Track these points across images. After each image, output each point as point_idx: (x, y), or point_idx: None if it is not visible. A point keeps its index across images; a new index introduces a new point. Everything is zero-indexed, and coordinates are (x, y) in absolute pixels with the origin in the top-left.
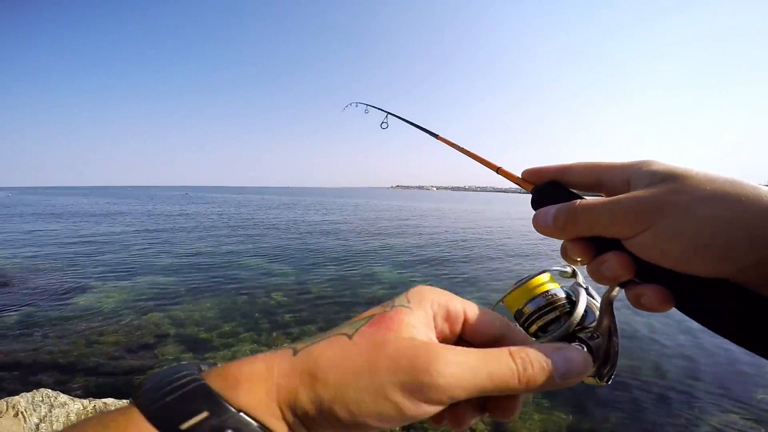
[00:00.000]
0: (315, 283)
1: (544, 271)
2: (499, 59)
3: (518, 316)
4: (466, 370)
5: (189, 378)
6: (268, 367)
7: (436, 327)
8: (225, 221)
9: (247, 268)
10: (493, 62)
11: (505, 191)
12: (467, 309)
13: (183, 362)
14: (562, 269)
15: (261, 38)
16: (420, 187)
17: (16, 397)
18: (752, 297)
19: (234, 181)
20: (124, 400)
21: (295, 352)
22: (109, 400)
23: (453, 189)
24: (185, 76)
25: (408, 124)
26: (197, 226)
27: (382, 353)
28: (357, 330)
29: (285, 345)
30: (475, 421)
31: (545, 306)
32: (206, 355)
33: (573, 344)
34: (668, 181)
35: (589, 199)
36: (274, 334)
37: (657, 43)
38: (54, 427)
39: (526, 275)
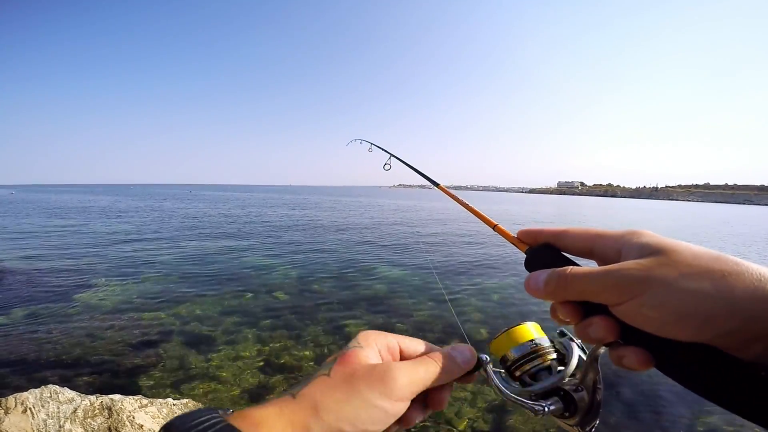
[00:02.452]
0: (316, 281)
1: (530, 322)
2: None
3: (503, 360)
4: (413, 371)
5: (216, 419)
6: (279, 410)
7: (381, 357)
8: (228, 219)
9: (250, 265)
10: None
11: (507, 191)
12: (400, 342)
13: (201, 408)
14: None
15: (270, 39)
16: (422, 187)
17: (25, 393)
18: (728, 359)
19: (238, 180)
20: (131, 396)
21: (294, 396)
22: (116, 396)
23: (455, 188)
24: (190, 77)
25: (410, 168)
26: (201, 224)
27: (356, 377)
28: (330, 369)
29: (282, 393)
30: (421, 420)
31: (530, 353)
32: (210, 354)
33: (552, 398)
34: (657, 254)
35: (581, 267)
36: (276, 332)
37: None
38: (61, 422)
39: (515, 323)
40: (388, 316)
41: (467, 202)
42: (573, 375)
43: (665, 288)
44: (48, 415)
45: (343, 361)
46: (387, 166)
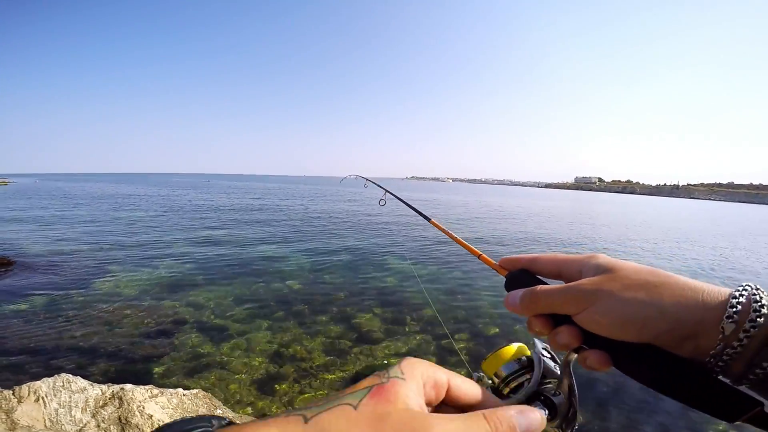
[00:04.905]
0: (329, 272)
1: (517, 342)
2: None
3: (495, 377)
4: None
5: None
6: None
7: (425, 394)
8: (245, 209)
9: (265, 255)
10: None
11: (523, 185)
12: (450, 378)
13: (194, 416)
14: (540, 350)
15: (287, 31)
16: (435, 179)
17: (38, 382)
18: (668, 356)
19: (255, 170)
20: (142, 386)
21: (305, 420)
22: (128, 386)
23: (469, 181)
24: (209, 68)
25: (404, 204)
26: (218, 213)
27: (385, 424)
28: (360, 401)
29: (294, 411)
30: None
31: (518, 370)
32: (222, 344)
33: (535, 403)
34: (606, 272)
35: (548, 285)
36: (287, 322)
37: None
38: (72, 412)
39: (504, 344)
40: (399, 310)
41: (454, 234)
42: (551, 382)
43: (611, 298)
44: (60, 404)
45: (377, 395)
46: (382, 202)
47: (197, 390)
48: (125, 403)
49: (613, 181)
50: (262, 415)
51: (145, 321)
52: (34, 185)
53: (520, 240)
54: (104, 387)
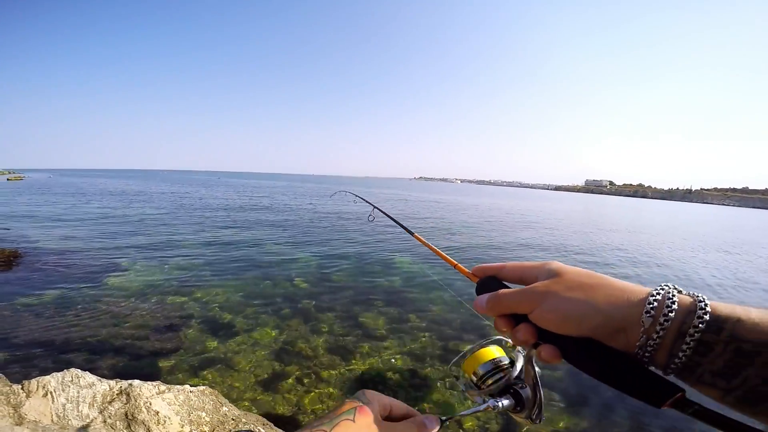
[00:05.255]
0: (336, 271)
1: (492, 343)
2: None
3: (474, 374)
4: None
5: None
6: None
7: (380, 412)
8: (253, 206)
9: (272, 253)
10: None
11: (532, 187)
12: (392, 403)
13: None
14: (505, 338)
15: (297, 26)
16: (443, 180)
17: (47, 377)
18: (603, 347)
19: (265, 168)
20: (149, 382)
21: None
22: (136, 382)
23: (478, 182)
24: (219, 65)
25: (391, 220)
26: (227, 211)
27: (372, 430)
28: (354, 416)
29: (310, 426)
30: None
31: (493, 369)
32: (228, 340)
33: (506, 395)
34: (554, 276)
35: (508, 289)
36: (294, 320)
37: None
38: (80, 407)
39: (477, 345)
40: (405, 310)
41: (435, 247)
42: (519, 377)
43: (555, 297)
44: (67, 399)
45: (362, 412)
46: (371, 217)
47: (204, 387)
48: (132, 399)
49: (624, 184)
50: (266, 413)
51: (154, 316)
52: (47, 180)
53: (551, 248)
54: (112, 382)
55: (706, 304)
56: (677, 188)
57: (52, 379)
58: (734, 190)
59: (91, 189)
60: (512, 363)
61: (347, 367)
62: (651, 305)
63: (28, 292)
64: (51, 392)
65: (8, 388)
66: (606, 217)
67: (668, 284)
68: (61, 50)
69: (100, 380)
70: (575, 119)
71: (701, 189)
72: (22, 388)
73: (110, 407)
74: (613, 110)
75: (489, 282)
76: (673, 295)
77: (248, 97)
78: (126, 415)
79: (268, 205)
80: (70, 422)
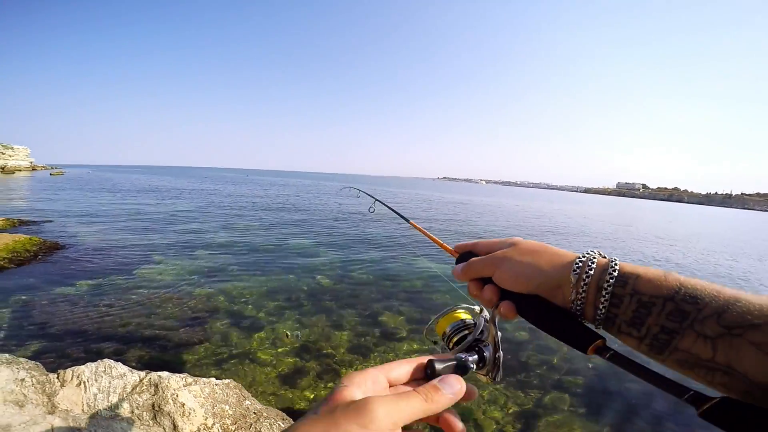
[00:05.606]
0: (358, 270)
1: (461, 308)
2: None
3: (443, 335)
4: (393, 404)
5: None
6: None
7: (368, 391)
8: (280, 204)
9: (297, 250)
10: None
11: (560, 189)
12: (386, 373)
13: None
14: (473, 307)
15: (326, 24)
16: (468, 180)
17: (82, 366)
18: (546, 302)
19: (292, 166)
20: (177, 375)
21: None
22: (164, 374)
23: (503, 183)
24: (249, 67)
25: (391, 210)
26: (254, 207)
27: (336, 413)
28: (320, 407)
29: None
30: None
31: (459, 327)
32: (252, 334)
33: (471, 353)
34: (511, 246)
35: (477, 257)
36: (315, 317)
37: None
38: (110, 397)
39: (448, 308)
40: (425, 310)
41: (429, 233)
42: (483, 338)
43: (510, 261)
44: (99, 389)
45: (329, 400)
46: (371, 209)
47: (229, 380)
48: (160, 391)
49: (658, 188)
50: (285, 408)
51: (181, 309)
52: (86, 175)
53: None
54: (142, 374)
55: (616, 263)
56: (716, 192)
57: (86, 369)
58: None
59: (126, 185)
60: (476, 324)
61: (366, 365)
62: (577, 266)
63: (65, 282)
64: (84, 382)
65: (45, 377)
66: (644, 223)
67: (593, 250)
68: (98, 53)
69: (131, 371)
70: (606, 120)
71: (742, 194)
72: (57, 378)
73: (139, 398)
74: (647, 112)
75: (466, 255)
76: (594, 258)
77: (272, 96)
78: (153, 406)
79: (294, 202)
80: (99, 412)
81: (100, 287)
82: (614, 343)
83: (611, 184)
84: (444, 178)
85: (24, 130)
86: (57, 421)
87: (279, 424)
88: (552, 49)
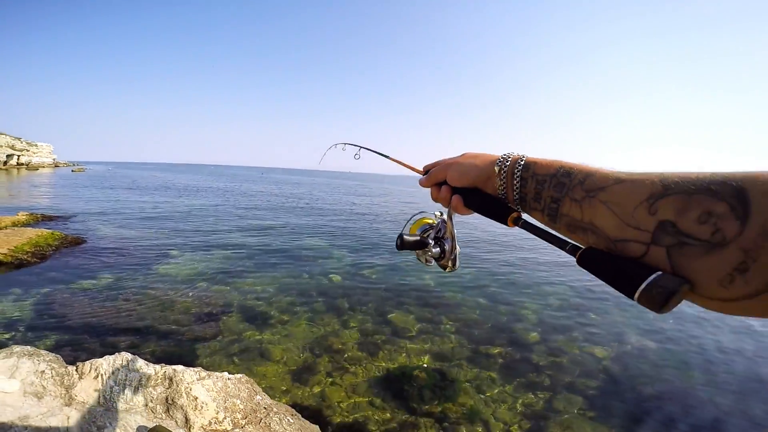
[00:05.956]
0: (370, 269)
1: (425, 215)
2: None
3: (416, 232)
4: None
5: None
6: None
7: None
8: (295, 202)
9: (310, 248)
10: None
11: None
12: None
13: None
14: (434, 213)
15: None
16: None
17: (100, 359)
18: (482, 192)
19: (303, 165)
20: (191, 368)
21: None
22: (179, 367)
23: None
24: (264, 67)
25: (372, 152)
26: (268, 205)
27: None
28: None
29: None
30: None
31: (425, 229)
32: (264, 330)
33: (434, 244)
34: (461, 155)
35: (434, 167)
36: (327, 315)
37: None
38: (125, 391)
39: (418, 214)
40: (436, 311)
41: (394, 158)
42: (443, 234)
43: (457, 164)
44: (116, 382)
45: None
46: (357, 156)
47: (241, 375)
48: (174, 384)
49: None
50: (294, 404)
51: (196, 304)
52: (106, 172)
53: None
54: (158, 367)
55: (524, 156)
56: None
57: (104, 362)
58: None
59: (144, 181)
60: (437, 224)
61: (375, 364)
62: (500, 161)
63: (85, 276)
64: (102, 375)
65: (64, 369)
66: None
67: (513, 151)
68: (121, 52)
69: (147, 365)
70: (624, 118)
71: None
72: (76, 370)
73: (153, 391)
74: (657, 113)
75: (429, 169)
76: (511, 155)
77: (282, 94)
78: (166, 399)
79: (306, 200)
80: (114, 404)
81: (119, 282)
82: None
83: None
84: None
85: (48, 127)
86: (73, 413)
87: (288, 420)
88: (558, 42)
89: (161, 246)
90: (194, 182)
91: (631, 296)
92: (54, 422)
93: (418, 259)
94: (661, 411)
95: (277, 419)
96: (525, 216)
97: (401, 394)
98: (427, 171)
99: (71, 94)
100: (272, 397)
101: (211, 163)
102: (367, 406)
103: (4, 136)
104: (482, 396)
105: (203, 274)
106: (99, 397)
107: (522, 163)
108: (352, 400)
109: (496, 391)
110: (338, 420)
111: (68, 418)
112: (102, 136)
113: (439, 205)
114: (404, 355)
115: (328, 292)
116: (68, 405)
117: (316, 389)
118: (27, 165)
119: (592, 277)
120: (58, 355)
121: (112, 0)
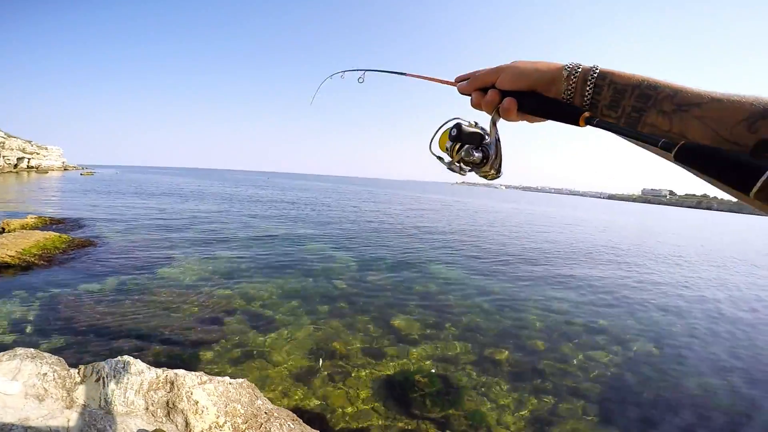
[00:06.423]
0: (374, 275)
1: (458, 119)
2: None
3: (446, 149)
4: None
5: None
6: None
7: None
8: (300, 207)
9: (315, 253)
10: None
11: (583, 195)
12: None
13: None
14: (470, 121)
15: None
16: (487, 185)
17: (102, 362)
18: (542, 96)
19: (311, 170)
20: (193, 372)
21: None
22: (180, 371)
23: (524, 189)
24: (270, 71)
25: (381, 73)
26: (274, 210)
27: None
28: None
29: None
30: None
31: (457, 136)
32: (267, 335)
33: (478, 149)
34: (513, 62)
35: (481, 69)
36: (330, 319)
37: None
38: (126, 393)
39: (450, 120)
40: (439, 316)
41: (428, 75)
42: (487, 140)
43: (511, 67)
44: (117, 385)
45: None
46: (361, 80)
47: (242, 380)
48: (176, 388)
49: (686, 194)
50: (296, 409)
51: (199, 308)
52: (114, 176)
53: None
54: (159, 371)
55: (597, 66)
56: None
57: (106, 365)
58: None
59: (151, 186)
60: (478, 131)
61: (378, 369)
62: (568, 66)
63: (91, 279)
64: (103, 378)
65: (66, 371)
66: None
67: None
68: (128, 54)
69: (149, 368)
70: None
71: None
72: (78, 373)
73: (154, 395)
74: None
75: (465, 78)
76: (581, 65)
77: (288, 100)
78: (167, 403)
79: (312, 205)
80: (115, 408)
81: (124, 285)
82: None
83: (636, 190)
84: (462, 182)
85: (58, 131)
86: (74, 416)
87: (289, 425)
88: (571, 40)
89: (166, 250)
90: (201, 187)
91: (747, 190)
92: (54, 424)
93: (450, 167)
94: (669, 420)
95: (278, 424)
96: None
97: (405, 400)
98: (461, 80)
99: (82, 99)
100: (273, 402)
101: (217, 168)
102: (370, 411)
103: (15, 139)
104: (487, 402)
105: (207, 278)
106: (100, 400)
107: (597, 69)
108: (355, 406)
109: (501, 396)
110: (340, 426)
111: (69, 420)
112: (111, 141)
113: (475, 113)
114: (408, 360)
115: (333, 298)
116: (69, 407)
117: (318, 393)
118: (37, 168)
119: (600, 283)
120: (60, 358)
121: (122, 5)
